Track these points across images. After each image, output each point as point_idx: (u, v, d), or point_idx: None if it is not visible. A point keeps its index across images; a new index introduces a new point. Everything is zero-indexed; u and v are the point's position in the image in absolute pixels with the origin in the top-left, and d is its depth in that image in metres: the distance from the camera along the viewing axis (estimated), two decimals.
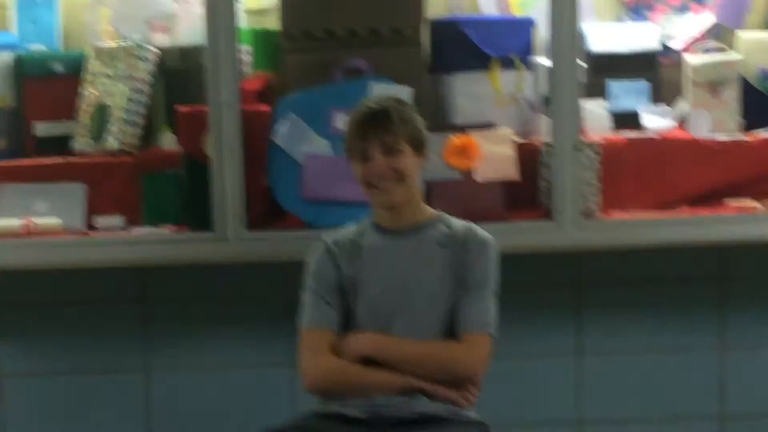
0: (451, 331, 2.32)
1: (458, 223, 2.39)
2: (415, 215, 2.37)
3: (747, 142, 3.01)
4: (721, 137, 2.99)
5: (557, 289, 3.15)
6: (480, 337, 2.33)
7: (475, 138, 2.90)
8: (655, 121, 3.10)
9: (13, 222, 2.84)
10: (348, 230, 2.45)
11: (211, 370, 3.15)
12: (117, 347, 3.13)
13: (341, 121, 2.77)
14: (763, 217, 2.89)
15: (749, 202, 2.94)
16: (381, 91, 2.83)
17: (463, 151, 2.88)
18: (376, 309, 2.33)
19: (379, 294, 2.34)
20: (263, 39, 3.12)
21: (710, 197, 3.00)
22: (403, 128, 2.32)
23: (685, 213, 2.96)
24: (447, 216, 2.43)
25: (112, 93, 2.97)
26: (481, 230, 2.37)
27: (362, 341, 2.27)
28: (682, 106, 3.13)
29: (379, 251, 2.38)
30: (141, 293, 3.12)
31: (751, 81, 3.09)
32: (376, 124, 2.31)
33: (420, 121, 2.38)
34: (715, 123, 3.04)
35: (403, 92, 2.82)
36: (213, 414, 3.16)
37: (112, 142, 2.95)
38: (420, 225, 2.38)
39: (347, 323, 2.36)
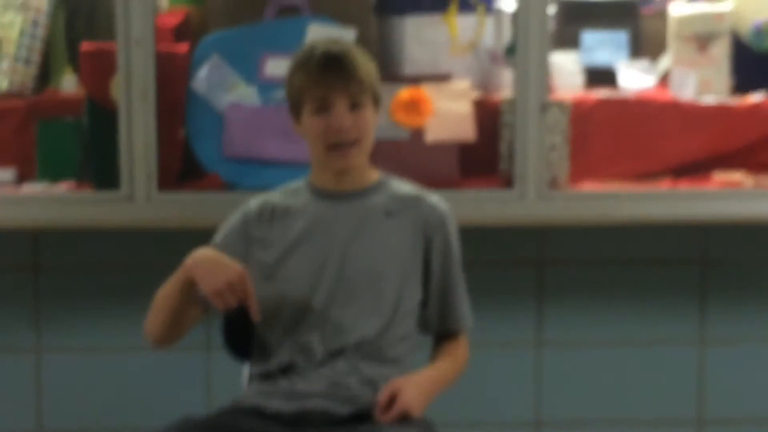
0: (396, 316, 2.05)
1: (406, 189, 2.18)
2: (361, 178, 2.16)
3: (737, 106, 2.84)
4: (708, 100, 2.82)
5: (516, 267, 2.98)
6: (465, 335, 2.24)
7: (427, 91, 2.72)
8: (634, 79, 2.97)
9: None
10: (280, 193, 2.21)
11: (112, 351, 2.93)
12: (4, 323, 2.93)
13: (273, 66, 2.69)
14: (752, 193, 2.71)
15: (738, 176, 2.77)
16: (320, 32, 2.65)
17: (413, 107, 2.70)
18: (305, 291, 2.06)
19: (310, 271, 2.07)
20: None
21: (694, 169, 2.82)
22: (368, 78, 2.10)
23: (664, 186, 2.79)
24: (393, 179, 2.20)
25: (3, 24, 2.80)
26: (434, 198, 2.16)
27: (412, 398, 1.97)
28: (665, 62, 2.99)
29: (315, 218, 2.13)
30: (33, 260, 2.90)
31: (743, 37, 2.90)
32: (339, 69, 2.07)
33: (375, 73, 2.17)
34: (702, 83, 2.86)
35: (346, 35, 2.65)
36: (115, 401, 2.90)
37: (1, 81, 2.76)
38: (364, 189, 2.16)
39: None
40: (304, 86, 2.06)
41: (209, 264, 1.99)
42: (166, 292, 2.04)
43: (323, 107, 2.03)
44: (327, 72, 2.04)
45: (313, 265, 2.08)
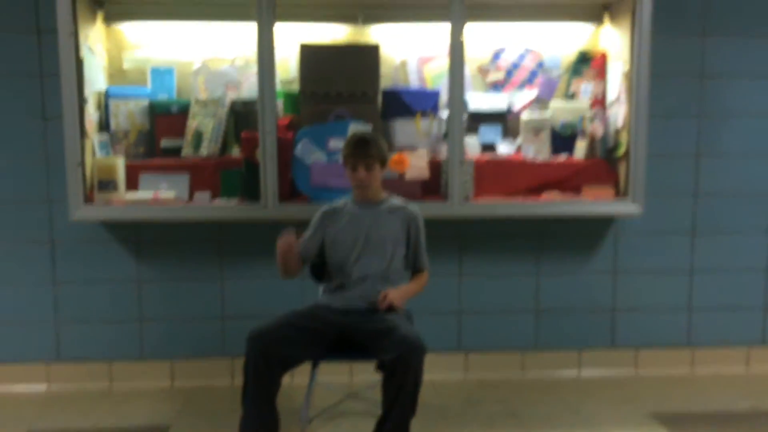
0: (393, 261, 2.56)
1: (399, 201, 2.67)
2: (376, 196, 2.61)
3: (553, 162, 3.18)
4: (540, 158, 3.19)
5: (449, 239, 3.36)
6: (426, 271, 2.69)
7: (406, 155, 3.08)
8: (505, 148, 3.27)
9: (147, 194, 3.03)
10: (339, 202, 2.67)
11: (260, 278, 3.27)
12: (202, 267, 3.27)
13: (333, 143, 3.01)
14: (560, 203, 3.09)
15: (555, 194, 3.14)
16: (356, 127, 2.99)
17: (399, 162, 3.06)
18: (349, 248, 2.56)
19: (352, 239, 2.56)
20: (289, 96, 3.18)
21: (533, 191, 3.17)
22: (377, 153, 2.52)
23: (520, 199, 3.12)
24: (392, 196, 2.69)
25: (205, 124, 3.11)
26: (413, 206, 2.66)
27: (395, 297, 2.44)
28: (519, 140, 3.28)
29: (354, 215, 2.59)
30: (219, 238, 3.29)
31: (556, 128, 3.27)
32: (361, 147, 2.50)
33: (385, 146, 2.60)
34: (536, 150, 3.22)
35: (367, 128, 2.99)
36: (264, 307, 3.28)
37: (204, 151, 3.10)
38: (378, 201, 2.61)
39: (326, 252, 2.60)
40: (346, 155, 2.55)
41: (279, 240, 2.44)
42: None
43: (353, 168, 2.54)
44: (356, 149, 2.51)
45: (351, 237, 2.58)
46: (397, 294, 2.47)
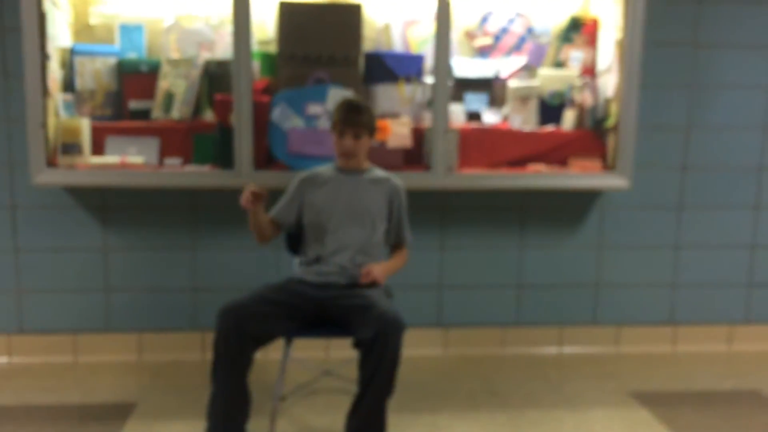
0: (374, 234, 2.50)
1: (382, 173, 2.62)
2: (360, 166, 2.56)
3: (540, 132, 3.12)
4: (526, 129, 3.13)
5: (431, 211, 3.30)
6: (407, 247, 2.65)
7: (388, 123, 3.00)
8: (491, 117, 3.19)
9: (114, 159, 2.94)
10: (318, 168, 2.62)
11: (233, 249, 3.20)
12: (173, 234, 3.18)
13: (311, 108, 2.93)
14: (546, 175, 3.03)
15: (540, 166, 3.09)
16: (336, 92, 2.91)
17: (381, 129, 2.97)
18: (327, 216, 2.51)
19: (331, 207, 2.51)
20: (266, 58, 3.08)
21: (519, 163, 3.13)
22: (367, 121, 2.48)
23: (504, 171, 3.06)
24: (375, 167, 2.64)
25: (177, 85, 3.01)
26: (395, 178, 2.61)
27: (378, 273, 2.40)
28: (505, 109, 3.21)
29: (335, 182, 2.53)
30: (191, 205, 3.19)
31: (544, 97, 3.21)
32: (352, 114, 2.44)
33: (374, 115, 2.52)
34: (523, 120, 3.17)
35: (348, 94, 2.89)
36: (238, 276, 3.22)
37: (175, 114, 3.00)
38: (361, 171, 2.57)
39: (303, 220, 2.54)
40: (336, 121, 2.51)
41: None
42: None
43: (341, 134, 2.51)
44: (347, 115, 2.48)
45: (330, 204, 2.51)
46: (379, 269, 2.43)
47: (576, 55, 3.25)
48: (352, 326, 2.28)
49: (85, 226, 3.18)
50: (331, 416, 2.68)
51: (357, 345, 2.23)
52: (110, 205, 3.18)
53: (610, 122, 3.13)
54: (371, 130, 2.53)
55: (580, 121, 3.23)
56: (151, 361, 3.26)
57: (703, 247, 3.48)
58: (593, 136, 3.19)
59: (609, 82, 3.14)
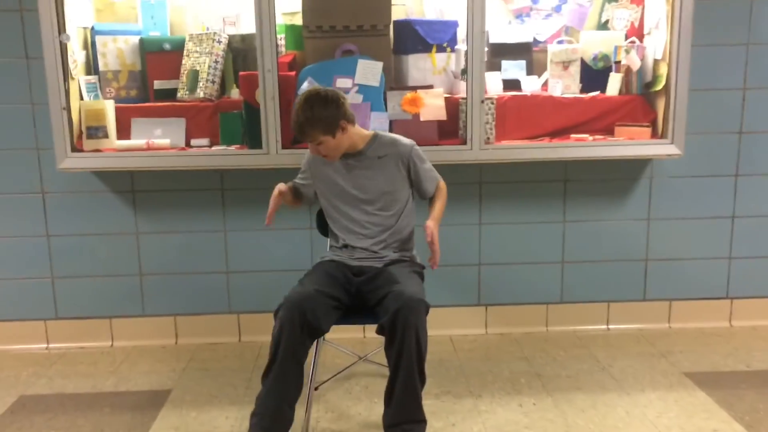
0: (394, 210, 2.44)
1: (388, 137, 2.49)
2: (356, 146, 2.44)
3: (583, 98, 3.06)
4: (568, 96, 3.07)
5: (469, 185, 3.21)
6: (441, 182, 2.55)
7: (420, 94, 2.94)
8: (529, 85, 3.13)
9: (140, 141, 2.90)
10: None
11: (266, 230, 3.11)
12: (206, 216, 3.15)
13: (340, 82, 2.85)
14: (591, 144, 2.94)
15: (583, 136, 3.01)
16: (365, 65, 2.84)
17: (413, 102, 2.93)
18: (343, 208, 2.47)
19: (343, 197, 2.47)
20: (292, 30, 3.05)
21: (561, 132, 3.06)
22: (320, 130, 2.28)
23: (545, 141, 3.00)
24: (379, 133, 2.51)
25: (201, 63, 2.96)
26: (404, 139, 2.48)
27: (435, 229, 2.31)
28: (545, 75, 3.15)
29: (341, 171, 2.47)
30: (221, 186, 3.15)
31: (587, 61, 3.14)
32: (300, 134, 2.32)
33: (329, 113, 2.28)
34: (565, 87, 3.10)
35: (378, 65, 2.85)
36: (274, 256, 3.19)
37: (200, 93, 2.96)
38: (361, 150, 2.45)
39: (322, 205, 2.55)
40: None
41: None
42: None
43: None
44: (298, 134, 2.32)
45: (342, 195, 2.47)
46: (434, 224, 2.34)
47: (621, 14, 3.11)
48: (377, 312, 2.23)
49: (115, 209, 3.15)
50: (367, 402, 2.62)
51: (379, 331, 2.16)
52: (140, 188, 3.15)
53: (659, 85, 2.97)
54: (331, 127, 2.31)
55: (626, 86, 3.10)
56: (187, 344, 3.24)
57: (761, 216, 3.30)
58: (641, 100, 3.06)
59: (657, 42, 2.97)
